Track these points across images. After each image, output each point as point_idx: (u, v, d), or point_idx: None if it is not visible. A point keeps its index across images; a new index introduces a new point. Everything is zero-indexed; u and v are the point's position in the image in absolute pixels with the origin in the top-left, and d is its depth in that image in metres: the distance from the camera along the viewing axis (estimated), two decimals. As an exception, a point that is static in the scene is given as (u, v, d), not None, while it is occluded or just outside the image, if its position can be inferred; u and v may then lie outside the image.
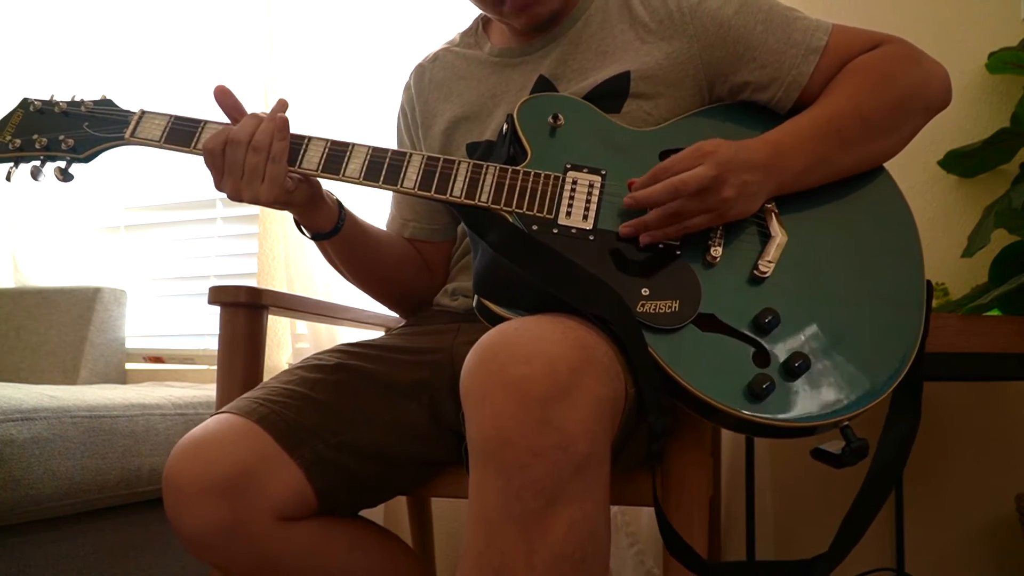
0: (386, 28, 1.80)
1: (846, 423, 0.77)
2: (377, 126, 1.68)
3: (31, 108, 0.95)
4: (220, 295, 1.08)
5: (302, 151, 0.90)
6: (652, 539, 1.45)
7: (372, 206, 1.63)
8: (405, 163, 0.89)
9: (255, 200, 0.88)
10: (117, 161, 2.13)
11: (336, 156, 0.89)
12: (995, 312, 1.17)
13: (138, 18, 2.19)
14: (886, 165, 0.91)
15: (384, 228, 1.15)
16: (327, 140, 0.90)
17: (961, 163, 1.37)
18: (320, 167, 0.89)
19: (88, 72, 2.19)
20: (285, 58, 1.82)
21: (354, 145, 0.90)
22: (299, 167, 0.89)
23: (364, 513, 0.95)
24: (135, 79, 2.16)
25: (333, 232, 0.98)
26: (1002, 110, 1.39)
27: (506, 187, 0.86)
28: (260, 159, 0.87)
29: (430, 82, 1.11)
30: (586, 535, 0.62)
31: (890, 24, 1.48)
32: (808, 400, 0.76)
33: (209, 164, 0.89)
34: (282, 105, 0.91)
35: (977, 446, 1.37)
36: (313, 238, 0.99)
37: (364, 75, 1.78)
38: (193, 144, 0.91)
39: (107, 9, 2.21)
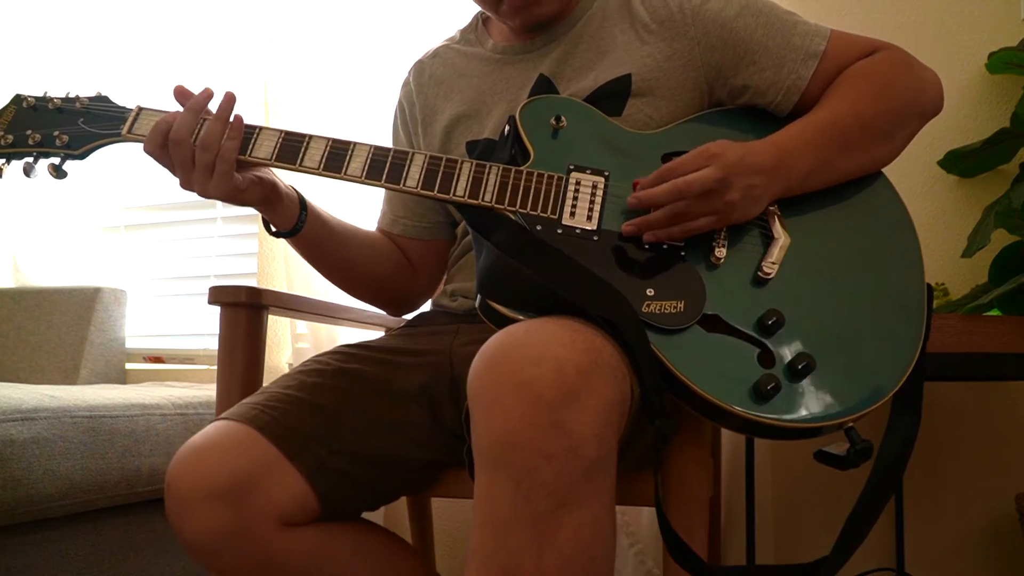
0: (386, 27, 1.80)
1: (850, 424, 0.77)
2: (378, 124, 1.68)
3: (24, 104, 0.94)
4: (220, 295, 1.08)
5: (302, 150, 0.89)
6: (652, 539, 1.45)
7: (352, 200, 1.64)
8: (407, 163, 0.88)
9: (204, 195, 0.89)
10: (117, 161, 2.13)
11: (337, 155, 0.89)
12: (995, 312, 1.18)
13: (138, 18, 2.18)
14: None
15: (374, 223, 1.16)
16: (328, 139, 0.90)
17: (961, 163, 1.37)
18: (321, 166, 0.89)
19: (87, 71, 2.19)
20: (285, 57, 1.82)
21: (356, 144, 0.90)
22: (300, 165, 0.89)
23: (364, 514, 0.95)
24: (135, 79, 2.16)
25: (293, 231, 0.99)
26: (1002, 110, 1.39)
27: (510, 187, 0.86)
28: (210, 157, 0.87)
29: (430, 78, 1.11)
30: (595, 536, 0.63)
31: (890, 25, 1.48)
32: (813, 401, 0.76)
33: (155, 160, 0.90)
34: (229, 99, 0.89)
35: (977, 446, 1.37)
36: (275, 235, 1.00)
37: (365, 74, 1.78)
38: (193, 140, 0.90)
39: (107, 8, 2.21)
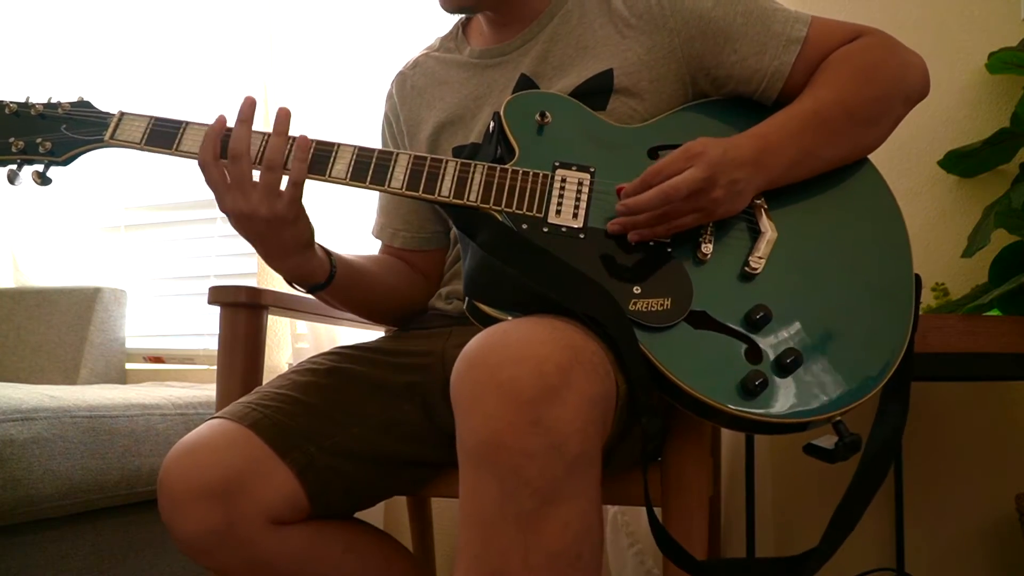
0: (387, 27, 1.80)
1: (838, 418, 0.77)
2: (378, 125, 1.68)
3: (6, 110, 0.93)
4: (220, 295, 1.08)
5: (286, 154, 0.88)
6: (652, 539, 1.45)
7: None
8: (392, 163, 0.88)
9: (272, 214, 0.84)
10: (117, 161, 2.13)
11: (322, 157, 0.88)
12: (995, 312, 1.17)
13: (138, 18, 2.19)
14: (882, 161, 0.91)
15: (358, 226, 1.15)
16: (312, 141, 0.88)
17: (961, 163, 1.37)
18: (306, 168, 0.87)
19: (86, 72, 2.19)
20: (285, 58, 1.83)
21: (340, 145, 0.89)
22: (284, 169, 0.87)
23: (364, 513, 0.95)
24: (135, 79, 2.16)
25: (328, 281, 0.95)
26: (1002, 110, 1.39)
27: (495, 186, 0.85)
28: (275, 177, 0.84)
29: (412, 88, 1.11)
30: (581, 532, 0.63)
31: (890, 25, 1.47)
32: (801, 395, 0.76)
33: (206, 173, 0.85)
34: (285, 115, 0.86)
35: (977, 446, 1.37)
36: (310, 291, 0.96)
37: (365, 75, 1.78)
38: (175, 146, 0.88)
39: (107, 9, 2.21)
